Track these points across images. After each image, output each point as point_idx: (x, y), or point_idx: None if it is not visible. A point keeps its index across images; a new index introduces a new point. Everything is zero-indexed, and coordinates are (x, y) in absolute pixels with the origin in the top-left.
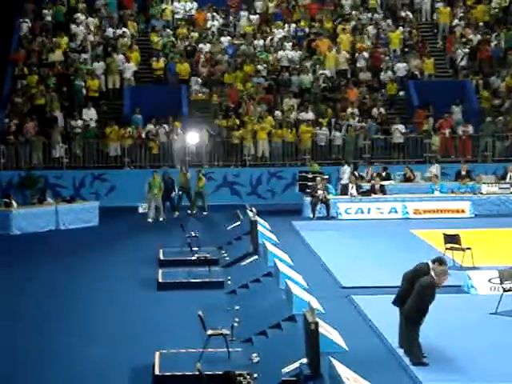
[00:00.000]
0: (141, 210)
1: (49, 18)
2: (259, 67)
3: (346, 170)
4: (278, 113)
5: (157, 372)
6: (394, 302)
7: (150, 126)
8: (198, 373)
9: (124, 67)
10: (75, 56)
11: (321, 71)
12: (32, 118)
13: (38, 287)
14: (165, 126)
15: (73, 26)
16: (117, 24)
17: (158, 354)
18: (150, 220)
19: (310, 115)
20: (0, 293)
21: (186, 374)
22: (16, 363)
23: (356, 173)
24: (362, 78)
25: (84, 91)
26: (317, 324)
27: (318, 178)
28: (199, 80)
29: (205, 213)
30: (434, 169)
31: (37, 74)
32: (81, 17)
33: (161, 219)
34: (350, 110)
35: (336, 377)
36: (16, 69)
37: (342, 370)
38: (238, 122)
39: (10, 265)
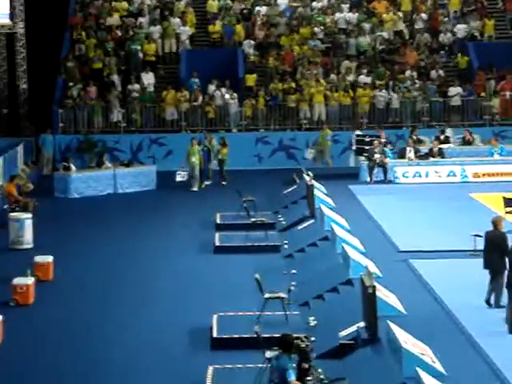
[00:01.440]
0: (178, 178)
1: None
2: (316, 30)
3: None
4: (334, 76)
5: (215, 334)
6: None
7: (212, 88)
8: (255, 335)
9: (180, 31)
10: (132, 20)
11: (378, 33)
12: (92, 83)
13: (99, 250)
14: (222, 89)
15: None
16: None
17: (215, 316)
18: (194, 189)
19: (368, 78)
20: (63, 254)
21: (244, 336)
22: (81, 322)
23: (414, 136)
24: (421, 39)
25: (141, 55)
26: (374, 287)
27: (376, 142)
28: (252, 42)
29: (224, 182)
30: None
31: (94, 38)
32: None
33: (195, 188)
34: (408, 72)
35: (394, 340)
36: (74, 33)
37: (399, 333)
38: (293, 85)
39: (71, 227)
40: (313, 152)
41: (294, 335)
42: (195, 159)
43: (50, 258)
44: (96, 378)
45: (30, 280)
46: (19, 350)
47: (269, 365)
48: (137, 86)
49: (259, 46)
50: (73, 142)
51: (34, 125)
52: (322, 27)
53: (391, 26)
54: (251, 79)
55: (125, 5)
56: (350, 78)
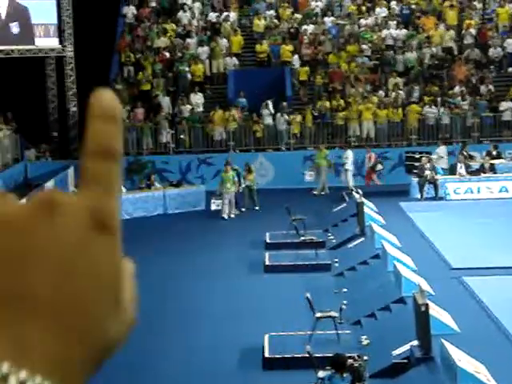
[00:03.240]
0: (213, 207)
1: (153, 4)
2: (363, 47)
3: (350, 155)
4: (382, 92)
5: (266, 354)
6: None
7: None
8: (307, 355)
9: (228, 51)
10: (180, 41)
11: (427, 49)
12: (140, 104)
13: (150, 271)
14: (270, 108)
15: (178, 12)
16: (220, 8)
17: (267, 336)
18: (224, 216)
19: (416, 94)
20: None
21: (296, 356)
22: (127, 345)
23: (465, 152)
24: (470, 55)
25: (189, 76)
26: (427, 305)
27: (425, 158)
28: (297, 58)
29: (256, 208)
30: (441, 150)
31: (143, 60)
32: (186, 1)
33: (232, 216)
34: (457, 87)
35: (448, 358)
36: (122, 55)
37: (453, 351)
38: (342, 102)
39: (124, 247)
40: (312, 174)
41: (347, 354)
42: (230, 185)
43: None
44: None
45: None
46: None
47: None
48: (186, 107)
49: (307, 65)
50: (123, 164)
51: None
52: (370, 44)
53: (439, 42)
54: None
55: (173, 26)
56: (399, 94)
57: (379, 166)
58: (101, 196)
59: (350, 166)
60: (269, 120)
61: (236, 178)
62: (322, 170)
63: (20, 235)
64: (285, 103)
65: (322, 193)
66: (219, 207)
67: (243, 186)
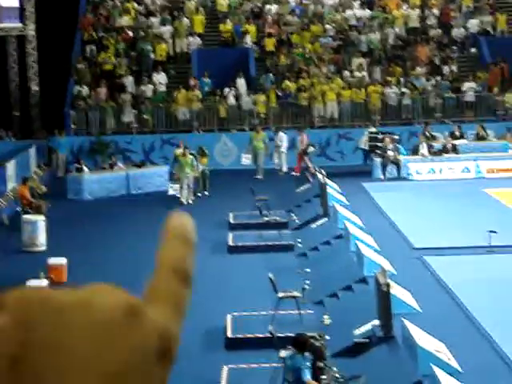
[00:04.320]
0: (171, 192)
1: None
2: (327, 27)
3: (283, 138)
4: (346, 73)
5: (229, 334)
6: None
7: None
8: (269, 335)
9: (191, 31)
10: (143, 20)
11: (390, 30)
12: (103, 84)
13: (113, 252)
14: (233, 88)
15: None
16: None
17: (229, 316)
18: (183, 201)
19: (379, 75)
20: (76, 256)
21: (258, 336)
22: None
23: (427, 132)
24: (433, 34)
25: (152, 55)
26: (388, 285)
27: (388, 139)
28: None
29: (206, 193)
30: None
31: (105, 40)
32: None
33: (190, 201)
34: (419, 68)
35: (409, 338)
36: (85, 34)
37: (414, 331)
38: (306, 82)
39: (84, 229)
40: (249, 157)
41: (309, 334)
42: (188, 170)
43: (63, 260)
44: None
45: (44, 282)
46: None
47: (283, 364)
48: (149, 87)
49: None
50: (85, 144)
51: (46, 127)
52: (334, 24)
53: (402, 23)
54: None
55: (135, 5)
56: (361, 75)
57: (311, 149)
58: (170, 318)
59: (284, 148)
60: (232, 100)
61: (195, 162)
62: (260, 153)
63: (108, 339)
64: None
65: (259, 176)
66: (177, 192)
67: (200, 170)
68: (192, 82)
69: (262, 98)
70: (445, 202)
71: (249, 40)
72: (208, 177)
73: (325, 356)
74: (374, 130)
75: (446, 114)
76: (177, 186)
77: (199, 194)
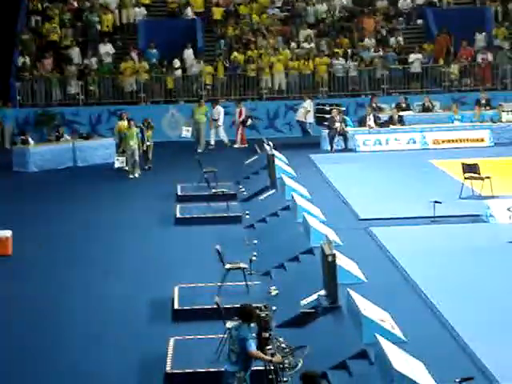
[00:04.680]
0: (117, 165)
1: None
2: None
3: (221, 111)
4: (293, 44)
5: (176, 306)
6: None
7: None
8: (216, 306)
9: (137, 1)
10: None
11: (337, 1)
12: (48, 55)
13: (58, 224)
14: (178, 59)
15: None
16: None
17: (176, 288)
18: (130, 176)
19: (326, 46)
20: (22, 229)
21: (205, 307)
22: (41, 297)
23: (374, 104)
24: (379, 6)
25: (98, 26)
26: (334, 256)
27: (335, 111)
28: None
29: (149, 166)
30: (307, 105)
31: (50, 10)
32: None
33: (137, 175)
34: (366, 39)
35: (353, 308)
36: (29, 4)
37: (359, 300)
38: (254, 53)
39: (30, 201)
40: (189, 130)
41: (254, 305)
42: (133, 143)
43: (8, 233)
44: (56, 351)
45: None
46: None
47: (229, 335)
48: (95, 58)
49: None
50: (31, 116)
51: None
52: None
53: None
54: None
55: None
56: (309, 46)
57: (249, 121)
58: None
59: (221, 122)
60: (179, 72)
61: (140, 135)
62: (201, 126)
63: None
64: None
65: (199, 150)
66: (123, 164)
67: (147, 143)
68: (133, 53)
69: (208, 69)
70: (391, 173)
71: (190, 12)
72: (151, 150)
73: (270, 326)
74: (308, 102)
75: (392, 86)
76: (123, 159)
77: (145, 167)
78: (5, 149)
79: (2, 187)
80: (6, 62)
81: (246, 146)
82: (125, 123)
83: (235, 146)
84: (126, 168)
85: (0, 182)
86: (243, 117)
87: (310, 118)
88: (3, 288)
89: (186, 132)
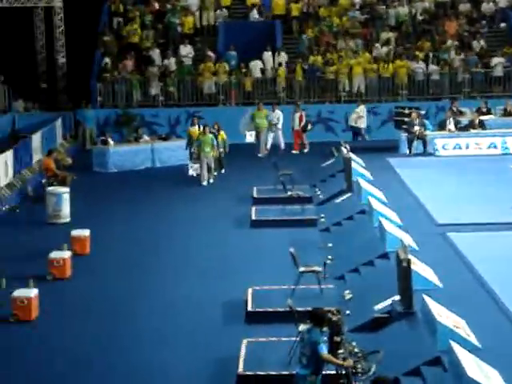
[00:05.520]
0: (191, 172)
1: None
2: (355, 0)
3: (280, 115)
4: (374, 47)
5: (249, 308)
6: None
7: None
8: (289, 309)
9: (218, 3)
10: None
11: (419, 3)
12: (129, 56)
13: (136, 224)
14: (258, 61)
15: None
16: None
17: (250, 290)
18: (204, 183)
19: (407, 49)
20: (100, 228)
21: (278, 310)
22: (117, 296)
23: (455, 108)
24: (462, 9)
25: (179, 28)
26: (409, 261)
27: (414, 114)
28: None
29: (223, 171)
30: (359, 110)
31: (132, 12)
32: None
33: (211, 181)
34: (448, 42)
35: (428, 313)
36: (112, 6)
37: (434, 306)
38: (334, 56)
39: (108, 201)
40: (252, 134)
41: (326, 309)
42: (209, 149)
43: (86, 232)
44: (133, 349)
45: (67, 254)
46: (55, 323)
47: (301, 338)
48: (174, 59)
49: (298, 18)
50: (111, 116)
51: (73, 99)
52: None
53: None
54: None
55: None
56: (389, 49)
57: (309, 126)
58: None
59: (280, 125)
60: (258, 74)
61: (214, 142)
62: (262, 130)
63: None
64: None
65: (260, 155)
66: (197, 171)
67: (220, 150)
68: (210, 54)
69: (282, 72)
70: (470, 178)
71: (256, 14)
72: (223, 154)
73: (342, 330)
74: (361, 107)
75: (473, 89)
76: (197, 166)
77: (219, 173)
78: (85, 149)
79: (81, 187)
80: (87, 63)
81: (307, 150)
82: (196, 129)
83: (293, 151)
84: (199, 176)
85: (80, 181)
86: (303, 122)
87: (363, 124)
88: (80, 287)
89: (250, 137)
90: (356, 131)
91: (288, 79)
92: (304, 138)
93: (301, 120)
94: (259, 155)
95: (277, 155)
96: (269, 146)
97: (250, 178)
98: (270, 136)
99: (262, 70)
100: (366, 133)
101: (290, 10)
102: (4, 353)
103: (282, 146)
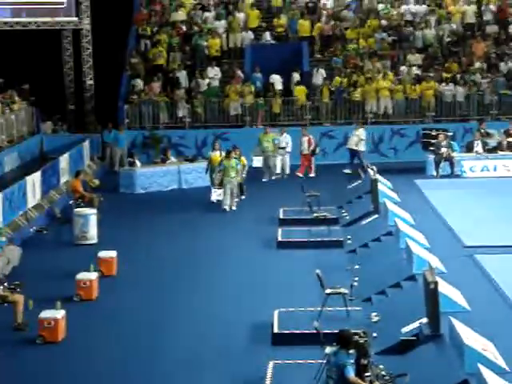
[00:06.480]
0: (214, 198)
1: None
2: (382, 22)
3: (289, 138)
4: (401, 69)
5: (275, 330)
6: None
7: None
8: (315, 331)
9: (245, 26)
10: (198, 15)
11: (446, 25)
12: (156, 78)
13: (162, 245)
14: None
15: None
16: None
17: (276, 312)
18: (226, 208)
19: (434, 71)
20: (127, 249)
21: (305, 332)
22: (145, 317)
23: (482, 129)
24: (489, 31)
25: (206, 50)
26: (436, 283)
27: (442, 135)
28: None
29: (243, 197)
30: (359, 133)
31: (158, 34)
32: None
33: (234, 208)
34: (476, 64)
35: (456, 336)
36: (139, 29)
37: (461, 329)
38: (361, 78)
39: (135, 222)
40: (260, 159)
41: (353, 331)
42: (234, 174)
43: (113, 253)
44: (159, 370)
45: (94, 275)
46: (83, 344)
47: (327, 361)
48: (203, 81)
49: (325, 40)
50: (138, 138)
51: (100, 121)
52: (389, 20)
53: (459, 18)
54: (300, 91)
55: (190, 0)
56: (416, 71)
57: (317, 150)
58: None
59: (289, 149)
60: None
61: (239, 166)
62: (269, 154)
63: None
64: None
65: (274, 178)
66: (220, 197)
67: (242, 175)
68: (239, 74)
69: (300, 89)
70: (498, 200)
71: (268, 36)
72: (245, 177)
73: (369, 353)
74: (360, 130)
75: (501, 111)
76: (220, 191)
77: (236, 199)
78: (113, 171)
79: (108, 208)
80: (115, 85)
81: (313, 175)
82: (217, 154)
83: (298, 173)
84: (222, 202)
85: (107, 203)
86: (313, 146)
87: (363, 147)
88: (107, 308)
89: (257, 162)
90: (354, 154)
91: (314, 100)
92: (312, 161)
93: (309, 144)
94: (263, 180)
95: (282, 178)
96: (278, 170)
97: (272, 201)
98: (278, 159)
99: (288, 91)
100: (364, 156)
101: (315, 31)
102: (31, 376)
103: (287, 170)
